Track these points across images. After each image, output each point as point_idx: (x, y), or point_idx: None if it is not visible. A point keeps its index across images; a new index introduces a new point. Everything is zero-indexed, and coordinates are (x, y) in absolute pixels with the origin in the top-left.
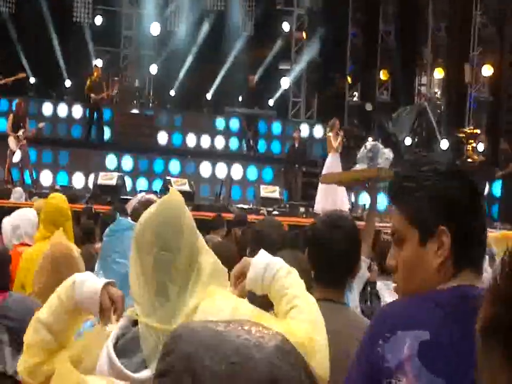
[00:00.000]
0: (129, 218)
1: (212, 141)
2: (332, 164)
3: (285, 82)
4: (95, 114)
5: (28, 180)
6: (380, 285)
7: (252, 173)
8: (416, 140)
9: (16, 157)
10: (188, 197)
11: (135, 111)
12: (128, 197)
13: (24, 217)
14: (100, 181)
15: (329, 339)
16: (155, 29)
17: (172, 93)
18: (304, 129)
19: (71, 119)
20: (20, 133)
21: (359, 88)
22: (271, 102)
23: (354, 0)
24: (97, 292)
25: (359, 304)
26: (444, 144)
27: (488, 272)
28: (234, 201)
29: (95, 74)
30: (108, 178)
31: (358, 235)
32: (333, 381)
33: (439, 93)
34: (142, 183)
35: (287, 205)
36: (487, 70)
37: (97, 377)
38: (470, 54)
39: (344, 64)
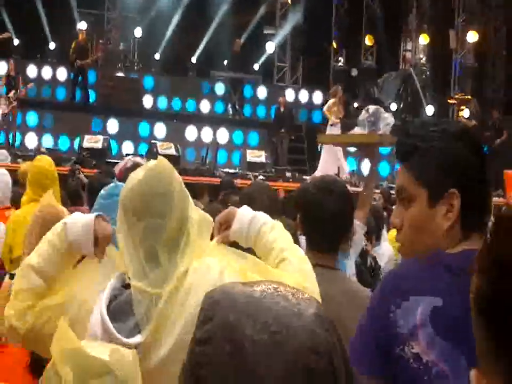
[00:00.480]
0: (116, 181)
1: (197, 105)
2: (333, 130)
3: (270, 47)
4: (80, 77)
5: (12, 142)
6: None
7: (238, 137)
8: (401, 105)
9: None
10: (174, 161)
11: (120, 74)
12: (114, 161)
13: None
14: (85, 144)
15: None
16: None
17: (157, 56)
18: (290, 94)
19: (55, 81)
20: (11, 94)
21: (344, 54)
22: (256, 66)
23: None
24: (91, 227)
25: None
26: (429, 109)
27: None
28: (220, 165)
29: (80, 37)
30: (94, 141)
31: (350, 199)
32: None
33: (424, 58)
34: (127, 146)
35: (273, 170)
36: (472, 36)
37: (99, 344)
38: (455, 21)
39: (329, 30)
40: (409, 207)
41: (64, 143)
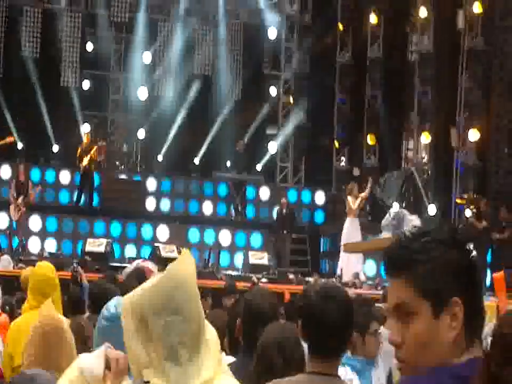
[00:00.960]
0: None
1: (200, 206)
2: (351, 228)
3: (273, 147)
4: (85, 180)
5: (16, 246)
6: None
7: (240, 238)
8: (403, 205)
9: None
10: None
11: (123, 176)
12: (117, 264)
13: None
14: (88, 248)
15: None
16: (142, 93)
17: (160, 157)
18: (292, 195)
19: (59, 185)
20: (20, 200)
21: (347, 153)
22: (258, 167)
23: (341, 65)
24: (102, 368)
25: None
26: (432, 209)
27: None
28: (222, 267)
29: (85, 141)
30: (96, 245)
31: (351, 306)
32: None
33: (426, 157)
34: (130, 249)
35: (276, 271)
36: (474, 134)
37: None
38: (456, 119)
39: (331, 129)
40: (409, 323)
41: (67, 247)
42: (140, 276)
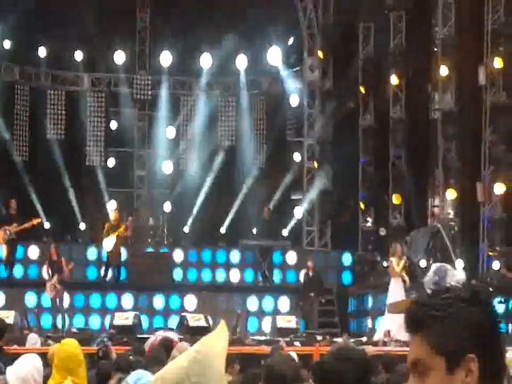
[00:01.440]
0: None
1: (227, 274)
2: (395, 289)
3: (298, 212)
4: (113, 257)
5: (60, 324)
6: None
7: (268, 303)
8: (431, 261)
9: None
10: (205, 332)
11: (150, 249)
12: (145, 336)
13: (29, 365)
14: (115, 321)
15: None
16: (167, 167)
17: (186, 229)
18: (319, 258)
19: (86, 261)
20: (54, 279)
21: (373, 213)
22: (285, 232)
23: (363, 128)
24: None
25: None
26: (459, 264)
27: None
28: (251, 333)
29: (114, 217)
30: (124, 318)
31: (369, 367)
32: None
33: (452, 213)
34: (158, 320)
35: (304, 334)
36: (499, 188)
37: None
38: (481, 173)
39: (356, 191)
40: (426, 378)
41: (95, 322)
42: (168, 346)
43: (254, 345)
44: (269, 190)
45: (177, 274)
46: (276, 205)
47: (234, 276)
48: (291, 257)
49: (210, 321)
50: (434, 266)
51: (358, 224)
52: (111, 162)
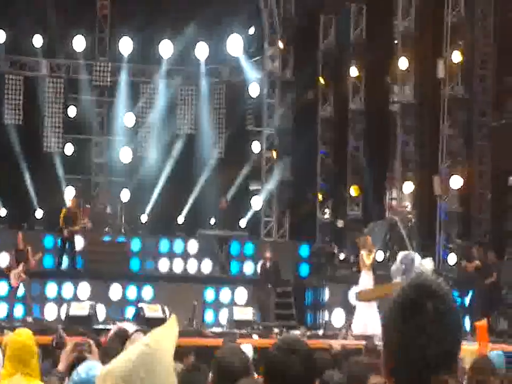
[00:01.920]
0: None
1: (185, 265)
2: (365, 281)
3: (256, 202)
4: (68, 243)
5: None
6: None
7: (225, 295)
8: (388, 253)
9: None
10: (161, 323)
11: (107, 238)
12: (101, 327)
13: None
14: (71, 312)
15: None
16: (126, 155)
17: (144, 218)
18: (277, 248)
19: (42, 250)
20: (20, 267)
21: (330, 205)
22: (242, 223)
23: (323, 118)
24: None
25: None
26: (416, 257)
27: None
28: (207, 324)
29: (71, 204)
30: (80, 308)
31: (314, 359)
32: None
33: (409, 206)
34: (114, 311)
35: (261, 327)
36: (457, 182)
37: None
38: (439, 167)
39: (315, 182)
40: None
41: (51, 311)
42: (122, 337)
43: (211, 337)
44: (228, 179)
45: (135, 264)
46: (234, 195)
47: (192, 266)
48: (249, 248)
49: (167, 312)
50: (400, 255)
51: (316, 215)
52: (69, 149)
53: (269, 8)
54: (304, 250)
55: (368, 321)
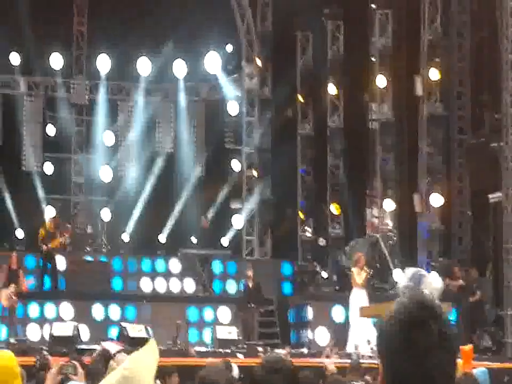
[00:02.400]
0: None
1: (167, 284)
2: (357, 298)
3: (238, 221)
4: (49, 264)
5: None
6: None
7: (208, 314)
8: (370, 271)
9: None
10: (145, 343)
11: (88, 258)
12: (85, 347)
13: None
14: (55, 332)
15: None
16: (106, 174)
17: (125, 237)
18: (259, 267)
19: (23, 270)
20: (11, 288)
21: (312, 223)
22: (224, 241)
23: (302, 136)
24: None
25: None
26: (397, 274)
27: None
28: (191, 343)
29: (48, 225)
30: (63, 329)
31: (297, 378)
32: None
33: (390, 224)
34: (97, 331)
35: (245, 345)
36: (437, 199)
37: None
38: (418, 184)
39: (295, 200)
40: None
41: (34, 331)
42: (106, 358)
43: (196, 356)
44: (208, 198)
45: (117, 283)
46: (215, 214)
47: (175, 285)
48: (231, 267)
49: (151, 332)
50: (409, 271)
51: (297, 233)
52: (48, 167)
53: (246, 25)
54: (287, 268)
55: (361, 341)
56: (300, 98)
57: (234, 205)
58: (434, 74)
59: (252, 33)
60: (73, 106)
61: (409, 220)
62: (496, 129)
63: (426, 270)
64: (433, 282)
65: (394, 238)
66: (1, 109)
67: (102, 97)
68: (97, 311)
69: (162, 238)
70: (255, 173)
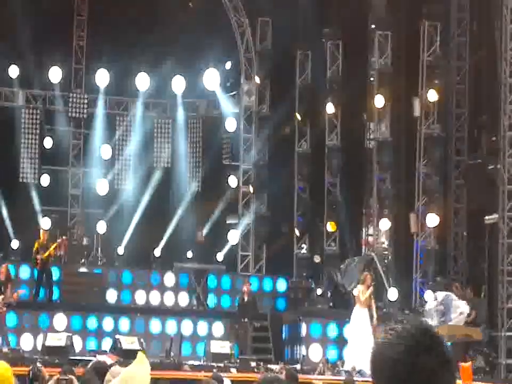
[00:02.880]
0: None
1: (162, 297)
2: (358, 317)
3: (233, 236)
4: (43, 275)
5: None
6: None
7: (202, 328)
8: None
9: None
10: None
11: (83, 269)
12: (78, 357)
13: None
14: (48, 342)
15: None
16: (102, 187)
17: (120, 250)
18: (254, 283)
19: (18, 280)
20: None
21: (307, 240)
22: (220, 256)
23: (299, 154)
24: None
25: None
26: (392, 293)
27: None
28: (184, 357)
29: (42, 237)
30: (57, 339)
31: None
32: None
33: (386, 243)
34: (91, 342)
35: (238, 360)
36: (433, 219)
37: None
38: (415, 204)
39: (291, 217)
40: None
41: (27, 341)
42: (100, 370)
43: (189, 370)
44: (204, 213)
45: (111, 295)
46: (211, 229)
47: (169, 299)
48: (226, 282)
49: (144, 345)
50: (440, 295)
51: (293, 250)
52: (45, 180)
53: (246, 43)
54: (281, 285)
55: (359, 358)
56: (298, 116)
57: (230, 221)
58: (432, 95)
59: (251, 51)
60: (71, 120)
61: (405, 239)
62: (493, 151)
63: (421, 290)
64: (460, 307)
65: (390, 257)
66: None
67: (100, 111)
68: (91, 322)
69: (157, 251)
70: (251, 189)
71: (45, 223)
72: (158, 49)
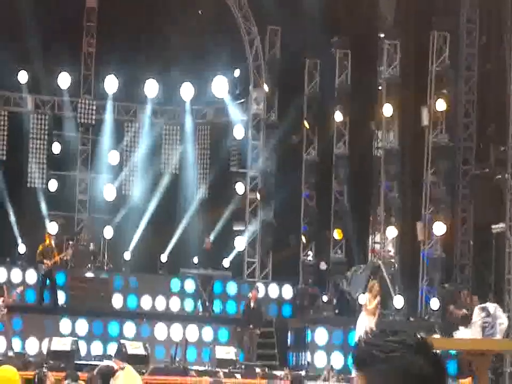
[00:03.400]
0: None
1: (167, 303)
2: (363, 324)
3: (240, 243)
4: (48, 279)
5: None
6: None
7: (207, 334)
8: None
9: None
10: (143, 360)
11: (89, 274)
12: (83, 362)
13: None
14: (53, 347)
15: None
16: (109, 193)
17: (127, 255)
18: (259, 289)
19: (24, 284)
20: (0, 302)
21: (314, 248)
22: (226, 262)
23: (307, 162)
24: None
25: None
26: (398, 301)
27: None
28: (190, 362)
29: (47, 241)
30: (62, 343)
31: None
32: None
33: (392, 251)
34: (96, 347)
35: (243, 366)
36: (439, 228)
37: None
38: (422, 213)
39: (298, 224)
40: None
41: (32, 346)
42: (105, 375)
43: (194, 376)
44: (211, 219)
45: (117, 300)
46: (218, 235)
47: (174, 304)
48: (232, 288)
49: (149, 350)
50: (491, 307)
51: (299, 257)
52: (53, 185)
53: (255, 51)
54: (287, 291)
55: None
56: (306, 124)
57: (237, 227)
58: (441, 105)
59: (260, 59)
60: (79, 126)
61: (411, 247)
62: (501, 161)
63: (426, 297)
64: (503, 320)
65: (396, 265)
66: (8, 125)
67: (108, 117)
68: (97, 327)
69: (164, 257)
70: (258, 196)
71: (52, 228)
72: (166, 56)
